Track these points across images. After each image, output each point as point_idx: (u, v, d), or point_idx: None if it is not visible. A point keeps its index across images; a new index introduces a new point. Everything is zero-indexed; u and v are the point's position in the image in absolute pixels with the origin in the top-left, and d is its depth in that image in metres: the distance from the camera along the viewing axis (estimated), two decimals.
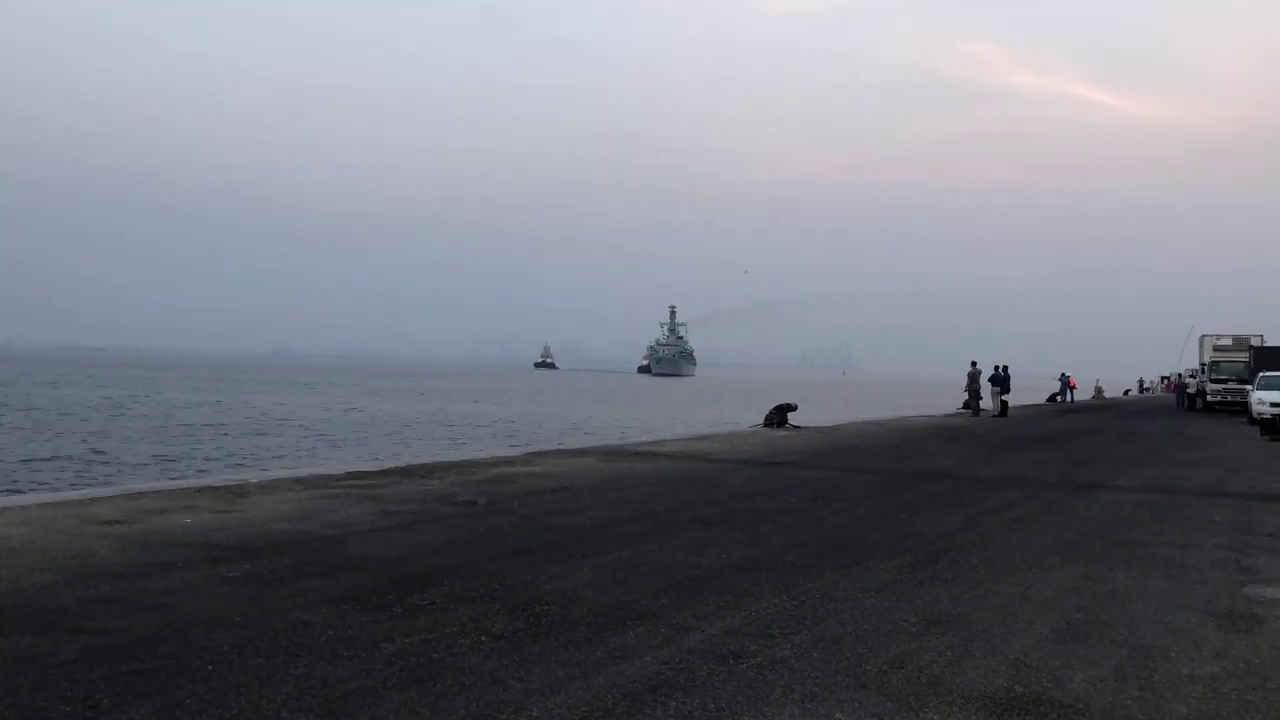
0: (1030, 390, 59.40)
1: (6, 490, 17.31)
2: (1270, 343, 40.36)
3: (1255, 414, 28.00)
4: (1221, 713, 4.35)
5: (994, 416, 31.86)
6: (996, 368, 33.26)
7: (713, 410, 61.51)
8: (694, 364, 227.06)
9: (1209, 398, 40.49)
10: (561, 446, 18.32)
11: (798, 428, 23.30)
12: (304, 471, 13.11)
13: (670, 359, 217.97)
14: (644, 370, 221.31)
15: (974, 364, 33.60)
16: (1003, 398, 32.85)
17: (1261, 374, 31.10)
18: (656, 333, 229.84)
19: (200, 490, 10.13)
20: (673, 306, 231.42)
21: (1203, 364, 43.63)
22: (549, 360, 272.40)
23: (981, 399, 33.17)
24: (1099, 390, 61.42)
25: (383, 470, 12.36)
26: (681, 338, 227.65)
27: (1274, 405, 26.95)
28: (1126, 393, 78.08)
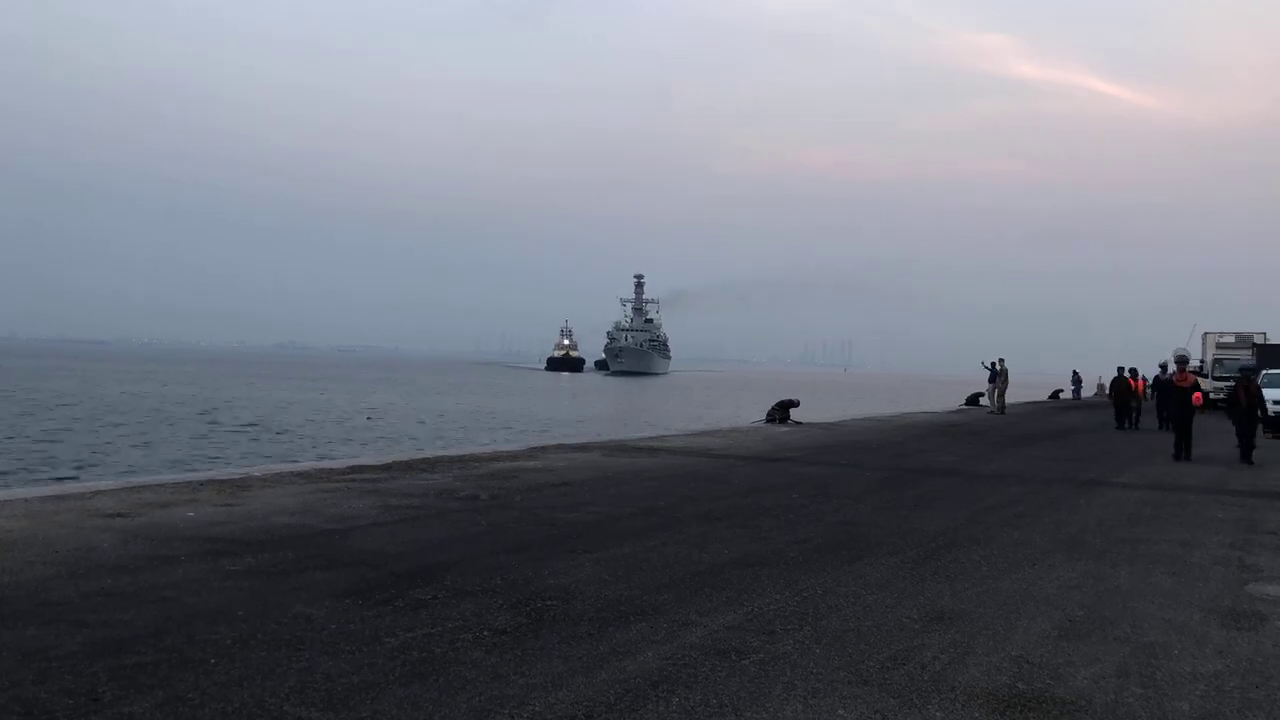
0: (1031, 387, 59.39)
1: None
2: (1273, 340, 40.28)
3: None
4: (1224, 710, 4.35)
5: (989, 413, 31.99)
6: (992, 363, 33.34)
7: (715, 407, 61.47)
8: (667, 357, 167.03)
9: (1211, 395, 40.40)
10: (564, 441, 18.31)
11: (800, 424, 23.30)
12: (306, 465, 13.13)
13: (634, 351, 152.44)
14: (601, 366, 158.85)
15: (989, 363, 33.48)
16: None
17: (1265, 371, 31.08)
18: (619, 315, 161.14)
19: (203, 483, 10.12)
20: (639, 276, 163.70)
21: (1202, 361, 43.57)
22: (571, 352, 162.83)
23: (983, 395, 33.38)
24: (1101, 387, 61.36)
25: (384, 464, 12.35)
26: (651, 320, 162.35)
27: (1276, 403, 26.92)
28: None
